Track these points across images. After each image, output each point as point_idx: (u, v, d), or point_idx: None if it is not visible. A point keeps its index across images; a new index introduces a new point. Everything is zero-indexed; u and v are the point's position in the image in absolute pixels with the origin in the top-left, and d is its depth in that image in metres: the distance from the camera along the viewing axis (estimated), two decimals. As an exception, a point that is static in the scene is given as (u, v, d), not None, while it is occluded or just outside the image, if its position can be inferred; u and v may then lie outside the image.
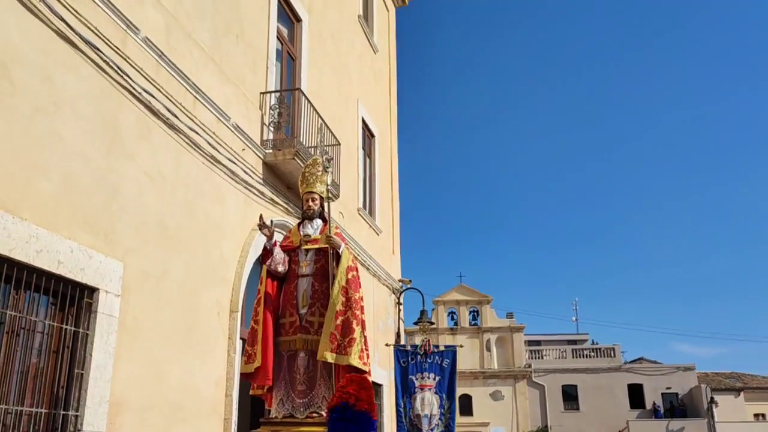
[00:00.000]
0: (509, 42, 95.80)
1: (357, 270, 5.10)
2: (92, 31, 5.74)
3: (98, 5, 5.86)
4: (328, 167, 5.29)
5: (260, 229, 4.97)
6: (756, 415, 37.23)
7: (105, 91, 5.93)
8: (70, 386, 5.30)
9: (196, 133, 7.29)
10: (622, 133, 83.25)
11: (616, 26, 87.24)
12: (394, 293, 15.14)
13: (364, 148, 14.24)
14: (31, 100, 5.09)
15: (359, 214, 13.08)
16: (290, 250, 5.18)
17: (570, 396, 34.29)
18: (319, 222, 5.29)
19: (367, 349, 4.95)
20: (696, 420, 32.09)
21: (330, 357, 4.74)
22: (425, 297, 15.77)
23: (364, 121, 14.17)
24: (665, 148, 79.54)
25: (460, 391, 31.66)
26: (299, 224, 5.35)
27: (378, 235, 14.41)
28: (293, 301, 5.05)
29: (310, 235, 5.19)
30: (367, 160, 14.61)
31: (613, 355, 35.55)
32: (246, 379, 5.05)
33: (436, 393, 9.78)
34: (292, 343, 4.96)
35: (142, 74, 6.40)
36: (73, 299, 5.36)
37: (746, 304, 79.04)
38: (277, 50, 10.01)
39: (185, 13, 7.42)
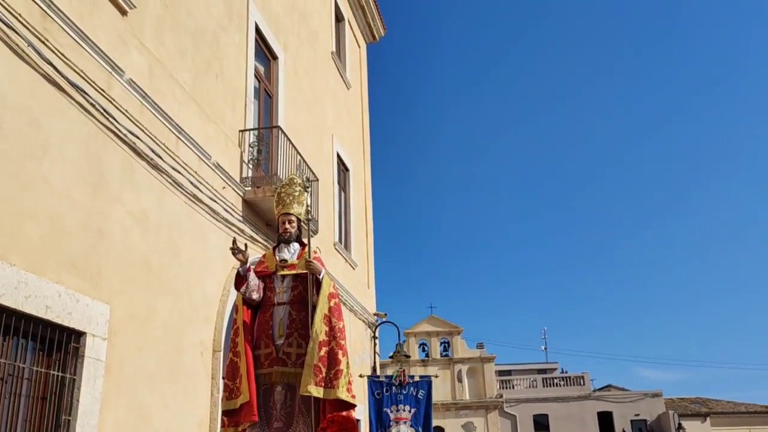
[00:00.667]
0: (478, 77, 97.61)
1: (338, 297, 4.82)
2: (78, 74, 5.76)
3: (84, 48, 5.90)
4: (308, 186, 5.06)
5: (234, 254, 4.62)
6: (722, 439, 37.71)
7: (91, 134, 5.93)
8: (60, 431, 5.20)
9: (179, 172, 7.30)
10: (584, 172, 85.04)
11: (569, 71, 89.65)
12: (369, 327, 15.14)
13: (339, 183, 14.35)
14: (19, 144, 5.07)
15: (335, 248, 13.12)
16: (265, 276, 4.85)
17: (541, 425, 34.37)
18: (296, 246, 4.95)
19: (352, 381, 4.66)
20: (665, 446, 32.42)
21: (315, 391, 4.36)
22: (386, 322, 15.81)
23: (338, 156, 14.30)
24: (636, 178, 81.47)
25: (433, 423, 31.59)
26: (275, 248, 5.02)
27: (354, 269, 14.45)
28: (269, 331, 4.70)
29: (286, 260, 4.84)
30: (342, 194, 14.71)
31: (582, 383, 35.85)
32: (228, 416, 4.62)
33: (411, 426, 9.52)
34: (268, 377, 4.61)
35: (126, 116, 6.42)
36: (60, 344, 5.30)
37: (709, 329, 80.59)
38: (255, 88, 10.11)
39: (167, 54, 7.48)
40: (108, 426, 5.68)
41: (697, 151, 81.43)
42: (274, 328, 4.69)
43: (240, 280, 4.70)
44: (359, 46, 17.55)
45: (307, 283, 4.72)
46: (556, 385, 35.94)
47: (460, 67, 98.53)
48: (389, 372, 19.08)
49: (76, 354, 5.44)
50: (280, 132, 9.59)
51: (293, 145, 9.74)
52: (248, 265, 4.70)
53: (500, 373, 37.69)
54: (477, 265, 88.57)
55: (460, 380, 34.28)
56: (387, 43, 20.05)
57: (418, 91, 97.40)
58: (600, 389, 38.90)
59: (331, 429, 3.49)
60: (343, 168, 14.79)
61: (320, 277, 4.70)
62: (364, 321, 14.74)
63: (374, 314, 15.62)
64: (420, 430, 9.56)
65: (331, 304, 4.65)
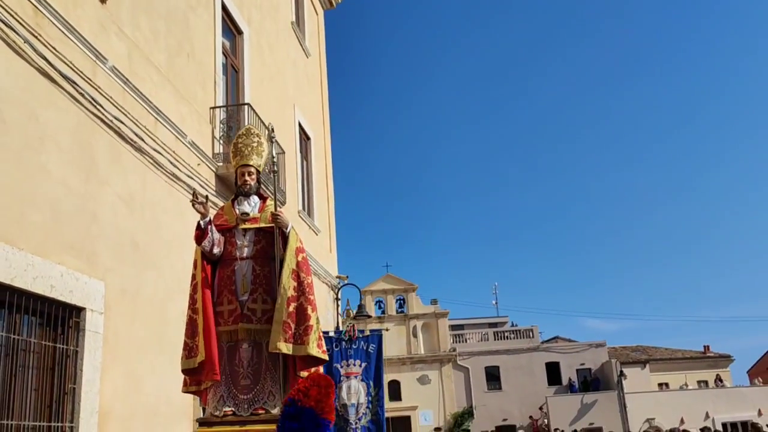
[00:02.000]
0: (430, 38, 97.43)
1: (305, 252, 4.66)
2: (68, 65, 6.09)
3: (71, 39, 6.20)
4: (273, 137, 4.82)
5: (193, 205, 4.44)
6: (660, 385, 40.17)
7: (81, 122, 6.28)
8: (65, 400, 5.72)
9: (159, 153, 7.69)
10: (535, 125, 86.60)
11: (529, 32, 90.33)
12: (332, 290, 15.78)
13: (301, 152, 14.76)
14: (19, 137, 5.43)
15: (299, 216, 13.62)
16: (225, 230, 4.62)
17: (493, 377, 36.00)
18: (256, 199, 4.76)
19: (322, 337, 4.56)
20: (607, 392, 34.41)
21: (285, 347, 4.27)
22: (348, 284, 16.52)
23: (300, 125, 14.68)
24: (589, 132, 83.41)
25: (389, 377, 32.72)
26: (233, 201, 4.81)
27: (317, 234, 14.99)
28: (231, 287, 4.51)
29: (248, 214, 4.62)
30: (304, 163, 15.13)
31: (531, 335, 37.51)
32: (188, 375, 4.52)
33: (362, 380, 9.36)
34: (233, 334, 4.44)
35: (111, 102, 6.76)
36: (63, 320, 5.77)
37: (650, 282, 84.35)
38: (222, 64, 10.41)
39: (143, 37, 7.77)
40: (107, 392, 6.20)
41: (655, 108, 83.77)
42: (237, 284, 4.51)
43: (201, 233, 4.47)
44: (317, 13, 17.74)
45: (270, 238, 4.54)
46: (507, 338, 37.53)
47: (415, 31, 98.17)
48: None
49: (77, 328, 5.92)
50: (249, 108, 9.97)
51: (261, 120, 10.14)
52: (209, 218, 4.50)
53: (453, 327, 39.07)
54: (430, 224, 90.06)
55: (415, 335, 35.47)
56: (344, 8, 20.17)
57: (373, 54, 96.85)
58: (548, 341, 40.76)
59: (304, 383, 3.32)
60: (304, 137, 15.18)
61: (287, 231, 4.52)
62: (327, 284, 15.37)
63: (336, 277, 16.27)
64: (371, 383, 9.38)
65: (299, 258, 4.48)
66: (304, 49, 15.85)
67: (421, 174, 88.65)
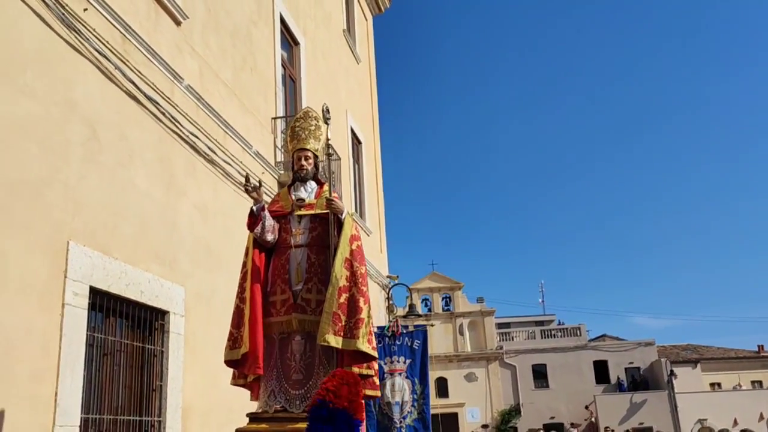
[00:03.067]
0: (476, 42, 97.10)
1: (360, 240, 4.43)
2: (150, 86, 6.58)
3: (153, 63, 6.69)
4: (328, 118, 4.65)
5: (247, 192, 4.29)
6: (712, 385, 39.51)
7: (162, 138, 6.78)
8: (153, 396, 6.22)
9: (228, 164, 8.17)
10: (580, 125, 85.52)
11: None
12: (383, 289, 16.17)
13: (353, 156, 15.18)
14: (112, 155, 5.94)
15: (353, 218, 14.02)
16: (280, 217, 4.47)
17: (540, 374, 35.98)
18: (313, 185, 4.58)
19: (373, 332, 4.33)
20: (657, 392, 34.04)
21: (333, 341, 4.02)
22: (399, 284, 16.86)
23: (352, 130, 15.10)
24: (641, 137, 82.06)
25: (435, 374, 33.05)
26: (289, 187, 4.65)
27: (368, 236, 15.39)
28: (285, 275, 4.32)
29: (303, 200, 4.45)
30: (356, 166, 15.55)
31: (578, 334, 37.33)
32: (232, 366, 4.40)
33: (407, 377, 9.00)
34: (286, 325, 4.24)
35: (187, 118, 7.25)
36: (150, 322, 6.27)
37: (701, 280, 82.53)
38: (281, 75, 10.87)
39: (212, 55, 8.26)
40: (189, 388, 6.69)
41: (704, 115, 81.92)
42: (291, 273, 4.33)
43: (253, 219, 4.32)
44: (366, 20, 18.14)
45: (326, 225, 4.34)
46: (554, 337, 37.43)
47: (460, 35, 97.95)
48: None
49: (162, 330, 6.42)
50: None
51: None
52: (262, 203, 4.35)
53: (500, 325, 39.14)
54: (476, 223, 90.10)
55: (461, 333, 35.69)
56: (391, 13, 20.51)
57: (419, 57, 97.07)
58: (595, 339, 40.48)
59: (331, 382, 3.02)
60: (356, 141, 15.60)
61: (342, 217, 4.36)
62: (378, 284, 15.77)
63: (387, 276, 16.66)
64: (416, 380, 9.00)
65: (353, 246, 4.27)
66: (354, 56, 16.27)
67: (467, 173, 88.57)
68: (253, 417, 4.23)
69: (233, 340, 4.29)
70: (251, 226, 4.35)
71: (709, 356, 42.01)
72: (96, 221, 5.60)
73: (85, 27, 5.65)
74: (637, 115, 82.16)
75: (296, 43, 11.80)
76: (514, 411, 34.29)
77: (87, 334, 5.30)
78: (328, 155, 4.55)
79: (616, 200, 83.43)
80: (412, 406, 8.97)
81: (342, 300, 4.13)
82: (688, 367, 38.37)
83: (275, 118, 10.05)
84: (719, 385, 39.42)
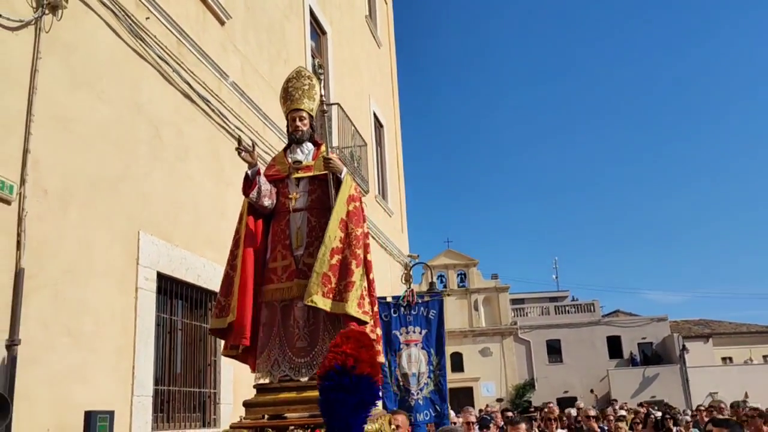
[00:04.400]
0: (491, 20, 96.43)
1: (361, 201, 4.25)
2: (201, 85, 7.11)
3: (203, 63, 7.21)
4: (320, 73, 4.58)
5: (239, 154, 4.19)
6: (723, 359, 40.02)
7: (212, 133, 7.32)
8: (208, 371, 6.84)
9: (268, 155, 8.69)
10: (583, 96, 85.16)
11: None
12: (405, 268, 16.74)
13: (375, 139, 15.66)
14: (172, 151, 6.49)
15: (376, 200, 14.57)
16: (277, 180, 4.33)
17: (554, 349, 36.62)
18: (310, 146, 4.41)
19: (370, 296, 4.10)
20: (669, 366, 34.62)
21: (321, 302, 3.87)
22: (419, 263, 17.41)
23: (375, 114, 15.56)
24: (643, 102, 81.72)
25: (451, 349, 33.76)
26: (285, 149, 4.50)
27: (390, 216, 15.94)
28: (285, 241, 4.16)
29: (300, 162, 4.30)
30: (378, 149, 16.04)
31: (592, 309, 37.87)
32: (217, 336, 4.29)
33: (423, 348, 8.69)
34: (287, 291, 4.07)
35: (233, 113, 7.77)
36: (205, 303, 6.87)
37: (713, 254, 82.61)
38: (311, 65, 11.34)
39: (251, 51, 8.75)
40: (238, 363, 7.30)
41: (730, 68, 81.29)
42: (291, 238, 4.16)
43: (249, 184, 4.20)
44: (386, 3, 18.48)
45: (325, 186, 4.19)
46: (568, 312, 38.00)
47: (473, 14, 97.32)
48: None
49: (216, 310, 7.02)
50: (338, 107, 10.90)
51: (349, 119, 11.06)
52: (257, 167, 4.23)
53: (514, 301, 39.68)
54: (491, 200, 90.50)
55: (476, 309, 36.31)
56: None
57: (434, 30, 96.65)
58: (609, 314, 41.01)
59: (348, 345, 2.64)
60: (378, 125, 16.07)
61: (341, 176, 4.18)
62: (400, 263, 16.34)
63: (408, 256, 17.23)
64: (432, 351, 8.70)
65: (350, 207, 4.10)
66: (376, 40, 16.66)
67: (480, 150, 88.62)
68: (260, 387, 4.10)
69: (220, 308, 4.14)
70: (246, 190, 4.22)
71: (721, 331, 42.43)
72: (160, 212, 6.17)
73: (147, 34, 6.17)
74: (636, 94, 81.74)
75: (323, 33, 12.24)
76: (529, 385, 35.00)
77: (156, 315, 5.91)
78: (323, 113, 4.44)
79: (630, 176, 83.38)
80: (429, 377, 8.63)
81: (333, 261, 3.95)
82: (700, 341, 38.87)
83: (307, 108, 10.53)
84: (731, 359, 39.90)
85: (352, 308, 3.89)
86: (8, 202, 4.35)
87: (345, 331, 2.83)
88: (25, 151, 4.51)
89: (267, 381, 4.11)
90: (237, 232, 4.30)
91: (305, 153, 4.37)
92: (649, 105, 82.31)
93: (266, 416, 3.92)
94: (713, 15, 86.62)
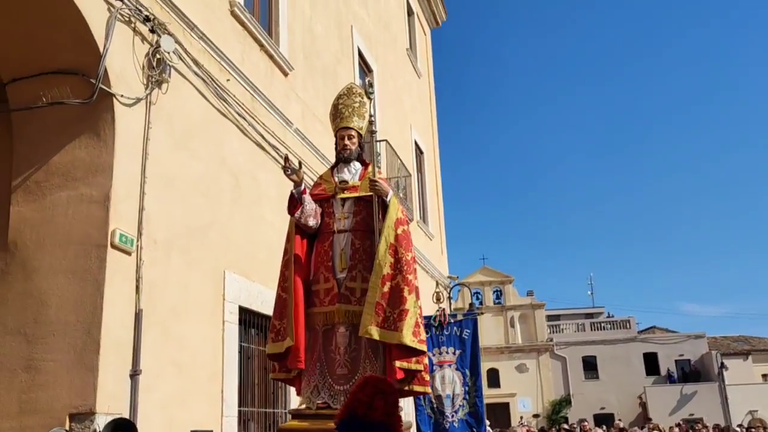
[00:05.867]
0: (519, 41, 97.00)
1: (408, 225, 4.17)
2: (271, 135, 7.90)
3: (271, 113, 8.00)
4: (371, 92, 4.42)
5: (286, 174, 4.14)
6: (764, 376, 39.60)
7: (280, 176, 8.01)
8: (278, 393, 7.57)
9: (326, 191, 9.46)
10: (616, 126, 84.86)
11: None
12: (445, 289, 17.37)
13: (416, 166, 16.37)
14: (249, 196, 7.28)
15: (418, 225, 15.25)
16: (323, 200, 4.26)
17: (590, 366, 36.79)
18: (357, 165, 4.34)
19: (421, 324, 4.01)
20: (708, 383, 34.53)
21: (376, 333, 3.78)
22: (457, 285, 18.01)
23: (416, 143, 16.29)
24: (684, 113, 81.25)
25: (487, 365, 34.19)
26: (332, 168, 4.45)
27: (431, 240, 16.61)
28: (328, 263, 4.09)
29: (347, 182, 4.23)
30: (419, 176, 16.74)
31: (628, 326, 37.96)
32: (275, 360, 4.16)
33: (457, 369, 8.48)
34: (330, 316, 4.01)
35: (296, 156, 8.54)
36: (277, 331, 7.61)
37: (750, 264, 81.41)
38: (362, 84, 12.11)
39: (309, 97, 9.54)
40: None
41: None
42: (334, 260, 4.10)
43: (294, 203, 4.15)
44: (425, 34, 19.24)
45: (371, 208, 4.09)
46: (603, 329, 38.15)
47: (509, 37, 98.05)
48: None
49: (285, 337, 7.76)
50: (386, 144, 11.64)
51: (396, 154, 11.79)
52: (303, 186, 4.18)
53: (550, 318, 39.95)
54: (525, 218, 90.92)
55: (512, 326, 36.70)
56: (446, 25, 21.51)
57: (473, 58, 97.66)
58: (644, 330, 40.95)
59: (363, 392, 2.48)
60: (419, 152, 16.78)
61: (387, 199, 4.07)
62: (440, 283, 16.98)
63: (448, 277, 17.87)
64: (467, 372, 8.44)
65: (399, 231, 4.00)
66: (416, 71, 17.41)
67: (517, 168, 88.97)
68: (295, 414, 4.04)
69: (276, 332, 4.06)
70: (291, 210, 4.16)
71: (761, 347, 42.00)
72: (240, 252, 6.95)
73: (228, 94, 6.97)
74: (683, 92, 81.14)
75: (370, 71, 13.02)
76: (565, 401, 35.20)
77: (239, 344, 6.66)
78: (372, 133, 4.31)
79: (667, 189, 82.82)
80: (464, 399, 8.39)
81: (385, 289, 3.86)
82: (740, 358, 38.58)
83: (357, 144, 11.30)
84: (772, 376, 39.47)
85: (408, 338, 3.81)
86: (129, 253, 5.14)
87: (365, 377, 2.78)
88: (141, 209, 5.31)
89: (303, 407, 4.04)
90: (286, 252, 4.23)
91: (352, 173, 4.30)
92: (689, 119, 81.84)
93: None
94: None
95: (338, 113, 4.41)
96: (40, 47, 5.16)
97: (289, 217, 4.33)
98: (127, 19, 5.41)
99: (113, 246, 4.95)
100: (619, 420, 22.79)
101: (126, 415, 4.81)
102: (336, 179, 4.28)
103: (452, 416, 8.28)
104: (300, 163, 4.25)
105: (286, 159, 4.17)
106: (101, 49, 5.11)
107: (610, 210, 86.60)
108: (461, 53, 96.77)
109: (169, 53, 5.72)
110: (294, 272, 4.06)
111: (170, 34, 5.84)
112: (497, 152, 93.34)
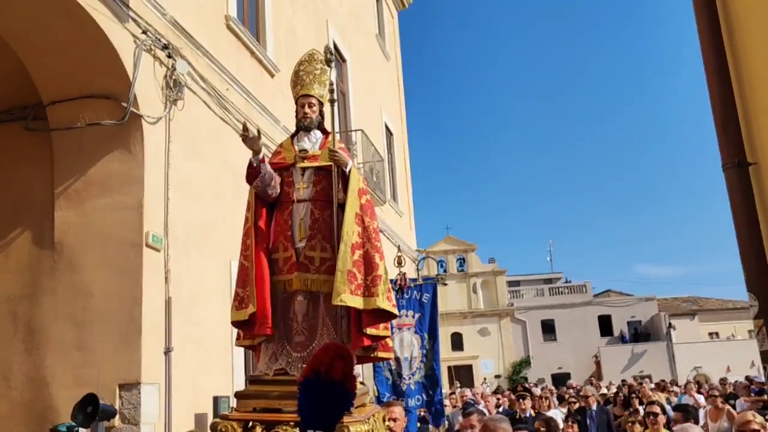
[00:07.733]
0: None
1: (370, 194, 4.22)
2: (263, 134, 8.78)
3: (261, 113, 8.89)
4: (331, 60, 4.29)
5: (244, 141, 4.05)
6: (710, 334, 42.17)
7: (271, 171, 9.04)
8: (276, 362, 8.63)
9: (309, 180, 10.44)
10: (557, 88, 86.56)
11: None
12: (414, 262, 18.56)
13: (387, 147, 17.36)
14: (246, 191, 8.21)
15: (389, 204, 16.31)
16: (282, 169, 4.20)
17: (548, 329, 38.78)
18: (318, 134, 4.30)
19: (392, 289, 4.07)
20: (657, 343, 36.82)
21: (352, 301, 3.80)
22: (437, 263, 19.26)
23: (386, 125, 17.25)
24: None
25: (451, 329, 35.86)
26: (292, 137, 4.37)
27: (401, 217, 17.70)
28: (287, 232, 4.06)
29: (307, 150, 4.19)
30: (389, 156, 17.74)
31: (584, 291, 39.98)
32: (239, 328, 4.12)
33: (416, 332, 8.52)
34: (288, 284, 3.99)
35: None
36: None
37: (703, 228, 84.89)
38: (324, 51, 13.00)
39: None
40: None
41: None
42: (293, 229, 4.06)
43: (253, 172, 4.10)
44: (393, 17, 20.05)
45: (331, 178, 4.05)
46: (561, 293, 40.11)
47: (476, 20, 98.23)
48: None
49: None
50: (362, 133, 12.60)
51: (371, 143, 12.77)
52: (262, 155, 4.10)
53: (510, 283, 41.71)
54: (488, 186, 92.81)
55: (475, 291, 38.29)
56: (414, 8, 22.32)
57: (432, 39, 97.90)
58: (600, 294, 43.14)
59: (325, 355, 2.65)
60: (388, 134, 17.76)
61: (347, 170, 4.05)
62: (409, 257, 18.15)
63: (416, 251, 19.05)
64: (425, 335, 8.53)
65: (362, 201, 4.02)
66: (385, 55, 18.28)
67: (478, 137, 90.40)
68: (253, 379, 4.06)
69: (239, 300, 4.02)
70: (249, 178, 4.13)
71: (708, 308, 44.62)
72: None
73: (227, 102, 7.87)
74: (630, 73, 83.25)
75: (344, 61, 13.89)
76: (525, 362, 37.14)
77: (243, 322, 7.69)
78: (331, 101, 4.22)
79: (624, 153, 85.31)
80: (421, 362, 8.47)
81: (356, 257, 3.86)
82: (687, 318, 41.04)
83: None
84: (717, 334, 42.07)
85: (383, 302, 3.85)
86: (159, 251, 6.10)
87: (326, 343, 2.91)
88: (166, 212, 6.26)
89: (261, 373, 4.02)
90: (246, 220, 4.21)
91: (312, 141, 4.25)
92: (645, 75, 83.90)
93: (256, 409, 3.77)
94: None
95: (299, 80, 4.37)
96: (78, 75, 6.01)
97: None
98: (148, 47, 6.28)
99: (147, 245, 5.91)
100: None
101: (162, 386, 5.83)
102: (296, 148, 4.24)
103: (409, 378, 8.34)
104: (258, 131, 4.18)
105: (245, 127, 4.10)
106: (130, 77, 5.99)
107: (572, 173, 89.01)
108: (426, 33, 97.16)
109: (183, 74, 6.60)
110: (255, 241, 4.04)
111: (183, 57, 6.71)
112: (461, 119, 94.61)
